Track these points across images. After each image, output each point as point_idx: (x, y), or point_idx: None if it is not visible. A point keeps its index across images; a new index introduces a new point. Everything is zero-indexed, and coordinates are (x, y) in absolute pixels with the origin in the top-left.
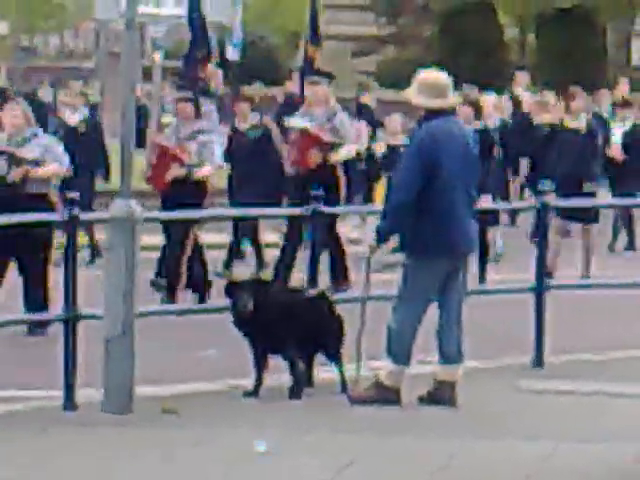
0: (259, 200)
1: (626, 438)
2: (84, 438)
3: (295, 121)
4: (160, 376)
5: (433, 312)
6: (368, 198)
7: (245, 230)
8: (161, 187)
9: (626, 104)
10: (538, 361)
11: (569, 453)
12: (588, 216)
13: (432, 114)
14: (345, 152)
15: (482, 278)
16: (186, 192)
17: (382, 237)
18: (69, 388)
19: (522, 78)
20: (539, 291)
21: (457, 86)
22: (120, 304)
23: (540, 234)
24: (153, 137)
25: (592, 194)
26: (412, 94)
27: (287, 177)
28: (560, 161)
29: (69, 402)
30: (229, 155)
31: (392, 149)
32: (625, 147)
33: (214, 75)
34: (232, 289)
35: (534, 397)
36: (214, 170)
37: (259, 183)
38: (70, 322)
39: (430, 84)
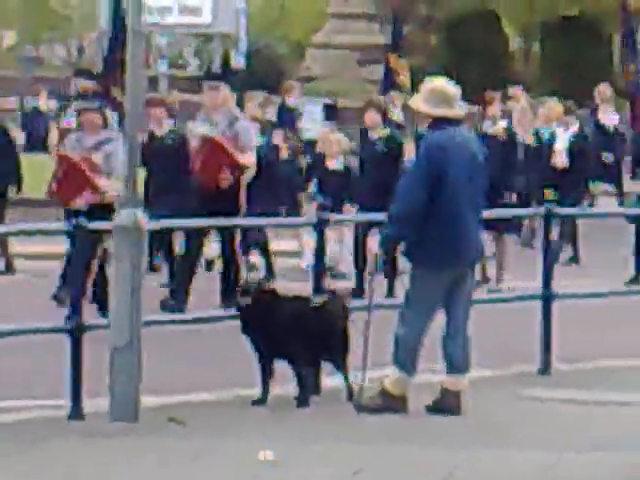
0: (174, 209)
1: (632, 447)
2: (84, 447)
3: (196, 127)
4: (166, 385)
5: (440, 320)
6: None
7: (158, 244)
8: (67, 204)
9: (568, 111)
10: (545, 369)
11: (574, 462)
12: (500, 225)
13: (439, 123)
14: (251, 173)
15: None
16: (95, 213)
17: (387, 245)
18: (75, 398)
19: (606, 89)
20: (546, 299)
21: (463, 95)
22: (126, 313)
23: (544, 241)
24: (56, 148)
25: (509, 203)
26: (419, 102)
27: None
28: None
29: (75, 412)
30: (144, 162)
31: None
32: (570, 155)
33: (292, 89)
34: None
35: (540, 406)
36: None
37: (174, 190)
38: (76, 332)
39: (437, 93)
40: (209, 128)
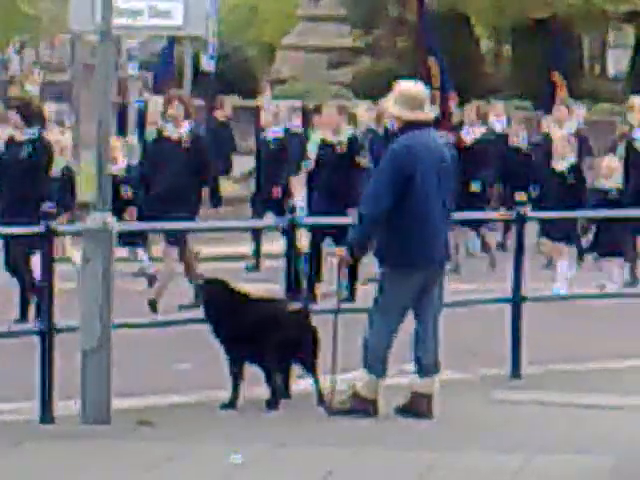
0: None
1: (601, 450)
2: (60, 450)
3: None
4: (137, 388)
5: (410, 322)
6: None
7: None
8: None
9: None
10: (515, 372)
11: (545, 465)
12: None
13: (408, 126)
14: None
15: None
16: None
17: (354, 249)
18: (46, 401)
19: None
20: (516, 302)
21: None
22: (96, 316)
23: (517, 245)
24: None
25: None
26: (389, 105)
27: None
28: (161, 175)
29: (46, 415)
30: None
31: None
32: None
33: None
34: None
35: (511, 408)
36: None
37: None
38: (47, 335)
39: (408, 95)
40: None
